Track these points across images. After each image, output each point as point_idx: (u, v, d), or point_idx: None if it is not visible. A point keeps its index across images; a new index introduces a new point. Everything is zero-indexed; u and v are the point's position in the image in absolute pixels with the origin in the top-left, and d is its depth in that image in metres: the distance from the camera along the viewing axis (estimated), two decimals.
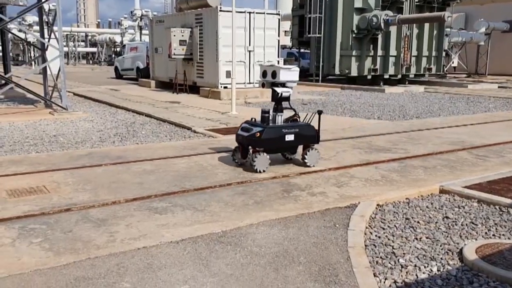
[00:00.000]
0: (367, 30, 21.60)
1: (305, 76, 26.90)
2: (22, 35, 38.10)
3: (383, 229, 4.34)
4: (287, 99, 6.35)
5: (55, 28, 11.62)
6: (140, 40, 41.66)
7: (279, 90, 6.26)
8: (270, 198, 5.07)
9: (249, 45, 16.88)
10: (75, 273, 3.31)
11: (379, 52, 22.39)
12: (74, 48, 58.88)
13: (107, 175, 5.90)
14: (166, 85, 19.95)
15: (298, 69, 6.44)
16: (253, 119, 6.34)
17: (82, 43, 65.36)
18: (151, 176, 5.92)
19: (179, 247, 3.79)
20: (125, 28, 51.98)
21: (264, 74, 6.43)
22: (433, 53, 24.34)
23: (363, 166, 6.60)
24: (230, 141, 8.35)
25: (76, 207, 4.67)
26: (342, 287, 3.18)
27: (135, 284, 3.17)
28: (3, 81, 14.60)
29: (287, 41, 33.31)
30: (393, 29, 22.09)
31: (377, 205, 5.00)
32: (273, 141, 6.12)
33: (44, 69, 12.75)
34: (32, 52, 43.90)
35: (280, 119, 6.37)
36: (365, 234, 4.20)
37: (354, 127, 10.07)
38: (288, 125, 6.29)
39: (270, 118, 6.27)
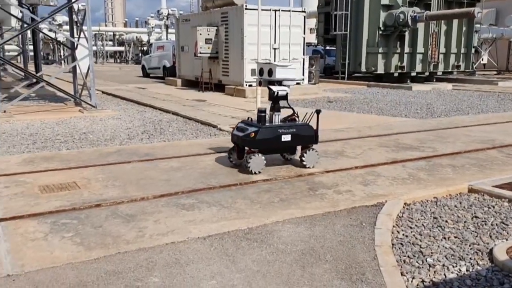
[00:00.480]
0: (394, 27, 21.30)
1: (330, 73, 26.76)
2: (52, 35, 38.97)
3: (411, 228, 4.29)
4: (285, 97, 6.10)
5: (84, 27, 11.87)
6: (167, 39, 42.13)
7: (275, 88, 6.01)
8: (296, 196, 5.08)
9: (275, 43, 16.87)
10: (106, 267, 3.39)
11: (406, 49, 22.06)
12: (102, 47, 59.96)
13: (135, 171, 6.01)
14: (192, 84, 20.13)
15: (296, 66, 6.24)
16: (250, 119, 6.17)
17: (110, 42, 66.51)
18: (178, 173, 6.00)
19: (206, 243, 3.84)
20: (152, 27, 52.65)
21: (260, 72, 6.19)
22: (462, 50, 23.82)
23: (390, 164, 6.54)
24: None
25: (106, 203, 4.77)
26: (369, 286, 3.16)
27: (163, 279, 3.23)
28: (34, 80, 15.00)
29: (312, 38, 33.16)
30: (420, 26, 21.71)
31: (405, 203, 4.95)
32: (268, 141, 5.89)
33: (74, 67, 13.04)
34: (61, 51, 44.93)
35: (277, 118, 6.13)
36: (392, 233, 4.16)
37: (381, 125, 9.97)
38: (284, 125, 6.04)
39: (267, 117, 6.09)
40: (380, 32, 21.77)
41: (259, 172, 5.87)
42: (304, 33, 17.61)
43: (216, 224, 4.26)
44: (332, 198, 5.02)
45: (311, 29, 34.89)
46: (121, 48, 62.87)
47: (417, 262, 3.58)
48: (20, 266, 3.37)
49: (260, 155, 5.87)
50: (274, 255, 3.62)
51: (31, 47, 27.73)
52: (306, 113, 6.57)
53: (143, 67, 29.12)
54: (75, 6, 13.78)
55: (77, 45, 12.54)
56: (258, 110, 6.04)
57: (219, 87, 17.92)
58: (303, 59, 17.90)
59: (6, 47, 33.69)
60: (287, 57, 17.29)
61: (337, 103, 14.74)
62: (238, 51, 16.60)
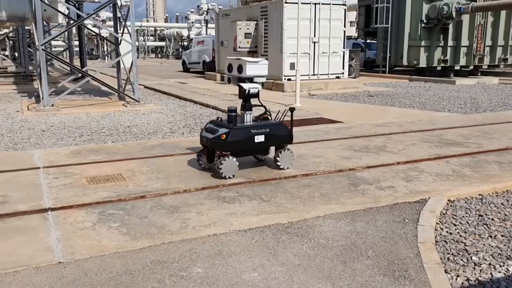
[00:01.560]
0: (438, 19, 20.69)
1: (371, 67, 26.32)
2: (96, 30, 40.07)
3: (455, 225, 4.20)
4: (257, 95, 5.69)
5: (128, 23, 12.15)
6: (206, 33, 42.51)
7: (246, 86, 5.60)
8: (336, 192, 5.06)
9: (314, 36, 16.74)
10: (151, 257, 3.49)
11: (450, 43, 21.39)
12: (143, 43, 61.15)
13: (178, 164, 6.14)
14: None
15: (267, 62, 5.71)
16: (219, 119, 5.75)
17: (151, 38, 67.74)
18: None
19: (247, 236, 3.89)
20: (192, 22, 53.25)
21: (229, 68, 5.76)
22: (510, 43, 22.88)
23: (434, 160, 6.39)
24: (295, 133, 8.36)
25: (150, 194, 4.91)
26: (412, 283, 3.13)
27: (206, 269, 3.30)
28: (79, 75, 15.49)
29: (353, 31, 32.64)
30: (465, 18, 20.99)
31: (448, 200, 4.85)
32: (241, 143, 5.47)
33: (118, 62, 13.38)
34: (105, 47, 46.10)
35: (248, 118, 5.70)
36: (435, 230, 4.09)
37: (423, 120, 9.75)
38: (257, 125, 5.62)
39: (238, 117, 5.67)
40: (423, 24, 21.20)
41: (233, 177, 5.42)
42: (345, 26, 17.39)
43: (257, 217, 4.31)
44: (373, 194, 4.97)
45: (351, 22, 34.30)
46: (162, 43, 63.97)
47: (461, 260, 3.51)
48: (70, 253, 3.52)
49: (232, 158, 5.41)
50: (315, 250, 3.64)
51: (75, 43, 28.64)
52: (279, 110, 6.27)
53: (183, 62, 29.53)
54: (118, 2, 14.10)
55: (120, 40, 12.86)
56: (228, 110, 5.59)
57: None
58: (343, 53, 17.69)
59: (53, 42, 34.88)
60: (327, 50, 17.15)
61: (378, 97, 14.51)
62: (277, 45, 16.58)
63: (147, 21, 77.77)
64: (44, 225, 4.07)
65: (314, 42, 16.83)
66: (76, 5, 17.67)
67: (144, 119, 10.11)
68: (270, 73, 17.14)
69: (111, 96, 14.17)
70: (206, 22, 46.63)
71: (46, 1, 12.50)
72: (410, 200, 4.77)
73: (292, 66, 15.91)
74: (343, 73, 17.88)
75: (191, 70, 28.27)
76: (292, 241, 3.80)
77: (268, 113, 5.87)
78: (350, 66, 18.95)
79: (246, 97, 5.67)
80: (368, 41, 28.01)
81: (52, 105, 11.14)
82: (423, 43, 21.28)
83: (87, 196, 4.83)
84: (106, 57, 31.39)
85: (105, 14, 43.76)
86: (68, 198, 4.74)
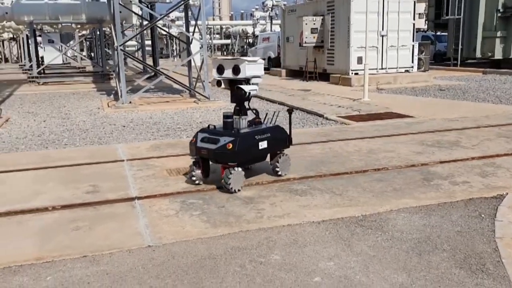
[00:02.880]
0: None
1: (441, 60, 25.37)
2: (166, 30, 41.54)
3: None
4: (248, 98, 5.17)
5: (198, 22, 12.60)
6: (271, 30, 42.80)
7: (247, 88, 5.05)
8: (409, 186, 5.06)
9: (382, 29, 16.45)
10: (231, 243, 3.72)
11: None
12: (210, 41, 62.56)
13: None
14: (296, 74, 20.36)
15: (263, 61, 5.21)
16: (212, 126, 5.16)
17: (217, 36, 69.14)
18: None
19: (321, 227, 4.02)
20: (257, 19, 53.78)
21: (220, 69, 5.11)
22: None
23: (511, 156, 6.18)
24: (364, 127, 8.38)
25: None
26: (491, 277, 3.12)
27: (283, 257, 3.48)
28: (153, 73, 16.25)
29: (422, 24, 31.58)
30: None
31: None
32: (247, 151, 4.95)
33: (189, 61, 13.90)
34: (174, 46, 47.70)
35: (244, 123, 5.18)
36: None
37: (499, 115, 9.36)
38: (259, 130, 5.14)
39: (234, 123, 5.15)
40: (499, 14, 20.16)
41: (239, 190, 4.92)
42: (414, 19, 16.94)
43: (330, 210, 4.42)
44: (448, 189, 4.92)
45: (419, 14, 33.22)
46: (228, 41, 65.13)
47: None
48: (158, 238, 3.83)
49: (239, 169, 4.91)
50: (390, 242, 3.70)
51: (147, 42, 29.92)
52: (266, 113, 5.83)
53: None
54: (190, 1, 14.63)
55: (191, 39, 13.36)
56: (224, 116, 5.13)
57: (324, 76, 17.93)
58: (412, 46, 17.25)
59: (127, 43, 36.62)
60: (395, 44, 16.80)
61: (449, 91, 14.03)
62: (344, 39, 16.46)
63: (213, 19, 79.47)
64: (133, 213, 4.43)
65: (382, 36, 16.55)
66: (149, 6, 18.48)
67: (214, 115, 10.48)
68: (336, 67, 17.15)
69: (183, 93, 14.75)
70: (271, 18, 46.93)
71: (122, 3, 13.24)
72: (486, 196, 4.68)
73: (360, 60, 15.76)
74: (412, 66, 17.45)
75: None
76: (366, 233, 3.88)
77: (258, 116, 5.39)
78: (419, 59, 18.42)
79: (241, 101, 5.15)
80: (438, 33, 26.97)
81: (130, 102, 11.82)
82: (498, 33, 20.23)
83: (169, 186, 5.16)
84: (176, 56, 32.52)
85: (175, 13, 45.25)
86: (152, 188, 5.10)
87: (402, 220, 4.13)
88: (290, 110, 5.46)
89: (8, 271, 3.34)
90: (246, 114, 5.21)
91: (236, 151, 4.76)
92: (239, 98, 5.11)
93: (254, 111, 5.42)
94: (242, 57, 5.10)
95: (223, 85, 5.21)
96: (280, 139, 5.40)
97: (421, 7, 33.31)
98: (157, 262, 3.43)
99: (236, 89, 5.07)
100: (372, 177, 5.41)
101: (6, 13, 20.00)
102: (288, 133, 5.49)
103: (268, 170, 5.62)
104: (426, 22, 27.62)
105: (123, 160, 6.38)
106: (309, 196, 4.82)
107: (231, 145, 4.77)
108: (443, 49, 25.84)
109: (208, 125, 5.21)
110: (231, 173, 4.81)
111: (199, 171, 5.12)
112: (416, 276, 3.15)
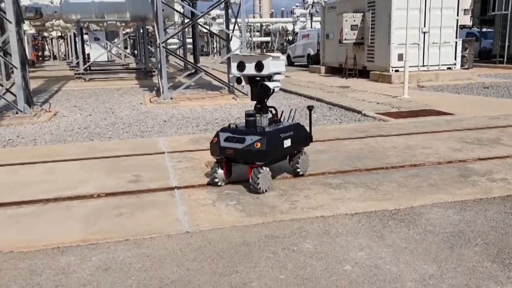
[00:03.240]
0: None
1: (487, 57, 24.60)
2: (207, 28, 42.10)
3: None
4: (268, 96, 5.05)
5: (238, 20, 12.79)
6: (311, 27, 42.62)
7: (271, 85, 4.89)
8: (445, 182, 5.03)
9: (424, 26, 16.16)
10: (265, 232, 3.85)
11: None
12: (250, 38, 62.90)
13: None
14: (335, 71, 20.27)
15: (285, 58, 5.06)
16: (234, 125, 5.01)
17: (257, 33, 69.43)
18: (323, 155, 6.31)
19: (354, 219, 4.09)
20: (297, 17, 53.68)
21: (240, 66, 4.89)
22: None
23: None
24: (402, 124, 8.31)
25: None
26: None
27: (315, 246, 3.58)
28: (193, 70, 16.59)
29: (466, 20, 30.66)
30: None
31: None
32: (274, 150, 4.81)
33: (229, 58, 14.11)
34: (214, 43, 48.31)
35: (265, 121, 5.08)
36: None
37: None
38: (283, 128, 5.00)
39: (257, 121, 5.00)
40: None
41: (266, 191, 4.80)
42: (457, 15, 16.54)
43: (363, 203, 4.48)
44: (484, 185, 4.87)
45: (465, 10, 32.28)
46: (267, 39, 65.29)
47: None
48: (195, 225, 4.01)
49: (267, 169, 4.79)
50: (422, 235, 3.73)
51: (188, 40, 30.47)
52: (282, 111, 5.75)
53: (288, 56, 30.03)
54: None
55: (231, 36, 13.57)
56: (246, 114, 4.94)
57: (363, 73, 17.79)
58: (456, 43, 16.85)
59: (169, 40, 37.41)
60: (438, 40, 16.46)
61: (494, 89, 13.64)
62: (385, 36, 16.27)
63: (253, 17, 79.88)
64: (172, 201, 4.64)
65: (424, 32, 16.24)
66: (190, 4, 18.86)
67: None
68: (376, 64, 16.98)
69: (222, 90, 15.00)
70: (311, 15, 46.73)
71: (164, 1, 13.60)
72: None
73: (400, 57, 15.53)
74: (455, 64, 17.04)
75: (295, 63, 28.66)
76: (399, 226, 3.92)
77: (277, 114, 5.28)
78: (463, 56, 17.96)
79: (262, 98, 5.00)
80: (484, 29, 26.13)
81: (171, 98, 12.16)
82: None
83: (207, 177, 5.34)
84: (215, 54, 32.98)
85: (215, 11, 45.81)
86: (190, 179, 5.30)
87: (435, 214, 4.14)
88: (311, 108, 5.29)
89: (57, 251, 3.60)
90: (267, 112, 5.09)
91: (265, 150, 4.63)
92: (262, 95, 4.96)
93: (272, 108, 5.26)
94: (264, 54, 4.93)
95: (243, 82, 5.07)
96: (302, 137, 5.27)
97: (467, 3, 32.35)
98: (194, 247, 3.60)
99: (260, 86, 4.92)
100: (408, 173, 5.41)
101: (55, 12, 20.91)
102: (309, 131, 5.33)
103: (285, 169, 5.53)
104: (471, 18, 26.83)
105: (163, 153, 6.62)
106: (343, 190, 4.88)
107: (259, 144, 4.63)
108: (489, 46, 25.04)
109: (229, 124, 5.06)
110: (259, 173, 4.69)
111: (222, 172, 4.97)
112: (447, 267, 3.18)
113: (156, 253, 3.52)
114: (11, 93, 10.72)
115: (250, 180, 4.73)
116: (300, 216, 4.18)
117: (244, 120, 4.98)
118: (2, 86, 11.42)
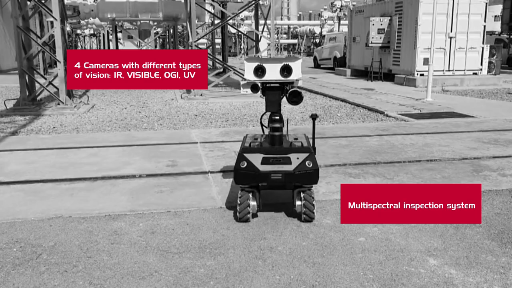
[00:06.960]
0: None
1: None
2: (236, 28, 42.76)
3: None
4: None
5: (267, 22, 13.30)
6: (338, 30, 42.84)
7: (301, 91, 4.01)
8: (458, 175, 5.41)
9: (451, 31, 16.35)
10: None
11: None
12: (277, 40, 63.40)
13: None
14: (361, 73, 20.57)
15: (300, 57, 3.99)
16: (257, 142, 4.21)
17: (284, 35, 69.88)
18: (345, 149, 6.74)
19: None
20: (325, 20, 53.93)
21: (259, 71, 3.90)
22: None
23: None
24: (423, 124, 8.67)
25: None
26: None
27: (334, 221, 4.03)
28: (222, 69, 17.17)
29: (496, 26, 30.49)
30: None
31: None
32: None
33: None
34: (242, 44, 48.96)
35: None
36: None
37: None
38: (306, 140, 4.36)
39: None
40: None
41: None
42: (485, 21, 16.66)
43: None
44: (495, 179, 5.23)
45: (495, 16, 32.05)
46: (294, 41, 65.64)
47: None
48: (228, 202, 4.51)
49: (313, 189, 4.13)
50: None
51: (217, 40, 31.15)
52: (287, 118, 4.62)
53: (315, 58, 30.43)
54: (260, 1, 15.38)
55: (260, 37, 14.09)
56: (273, 128, 4.09)
57: (388, 77, 18.06)
58: (482, 48, 16.97)
59: (198, 40, 38.22)
60: (464, 46, 16.63)
61: None
62: (411, 40, 16.54)
63: (281, 19, 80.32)
64: (206, 182, 5.15)
65: (451, 37, 16.44)
66: (221, 4, 19.48)
67: None
68: (402, 68, 17.26)
69: None
70: (339, 19, 46.92)
71: (197, 2, 14.21)
72: None
73: (426, 61, 15.76)
74: (481, 69, 17.16)
75: (321, 66, 29.01)
76: None
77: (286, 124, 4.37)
78: (490, 62, 18.05)
79: (278, 105, 4.10)
80: None
81: (201, 95, 12.74)
82: None
83: None
84: (243, 54, 33.60)
85: (244, 13, 46.44)
86: (222, 165, 5.81)
87: None
88: (314, 116, 4.43)
89: (108, 218, 4.15)
90: (283, 123, 4.15)
91: (317, 169, 4.00)
92: (294, 102, 3.96)
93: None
94: (288, 56, 4.03)
95: (259, 93, 4.08)
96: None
97: (497, 9, 32.11)
98: (227, 219, 4.11)
99: (293, 93, 3.93)
100: (424, 166, 5.81)
101: (92, 10, 21.84)
102: (312, 142, 4.39)
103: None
104: (501, 24, 26.69)
105: (196, 142, 7.16)
106: (361, 178, 5.32)
107: (311, 163, 3.99)
108: None
109: (250, 143, 4.20)
110: (312, 197, 3.98)
111: (255, 203, 4.04)
112: (450, 243, 3.60)
113: (194, 222, 4.03)
114: (53, 85, 11.45)
115: (303, 208, 3.98)
116: (321, 198, 4.64)
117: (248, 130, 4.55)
118: (45, 79, 12.17)
